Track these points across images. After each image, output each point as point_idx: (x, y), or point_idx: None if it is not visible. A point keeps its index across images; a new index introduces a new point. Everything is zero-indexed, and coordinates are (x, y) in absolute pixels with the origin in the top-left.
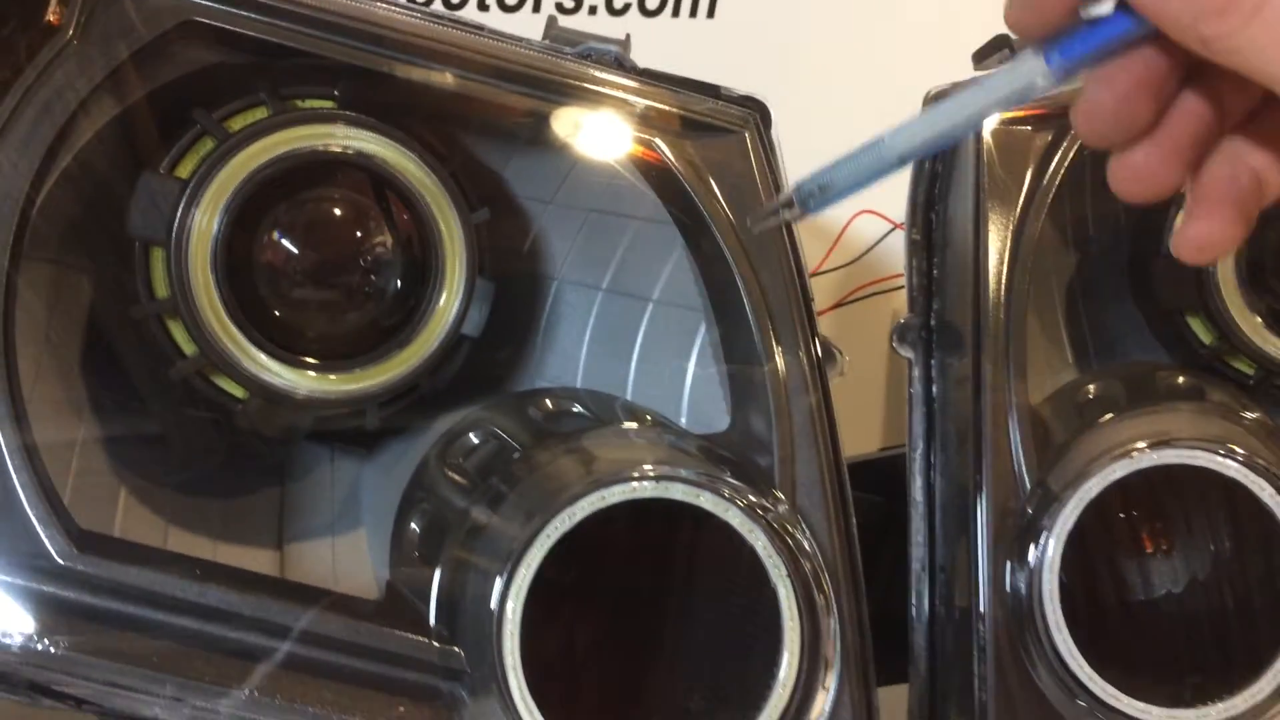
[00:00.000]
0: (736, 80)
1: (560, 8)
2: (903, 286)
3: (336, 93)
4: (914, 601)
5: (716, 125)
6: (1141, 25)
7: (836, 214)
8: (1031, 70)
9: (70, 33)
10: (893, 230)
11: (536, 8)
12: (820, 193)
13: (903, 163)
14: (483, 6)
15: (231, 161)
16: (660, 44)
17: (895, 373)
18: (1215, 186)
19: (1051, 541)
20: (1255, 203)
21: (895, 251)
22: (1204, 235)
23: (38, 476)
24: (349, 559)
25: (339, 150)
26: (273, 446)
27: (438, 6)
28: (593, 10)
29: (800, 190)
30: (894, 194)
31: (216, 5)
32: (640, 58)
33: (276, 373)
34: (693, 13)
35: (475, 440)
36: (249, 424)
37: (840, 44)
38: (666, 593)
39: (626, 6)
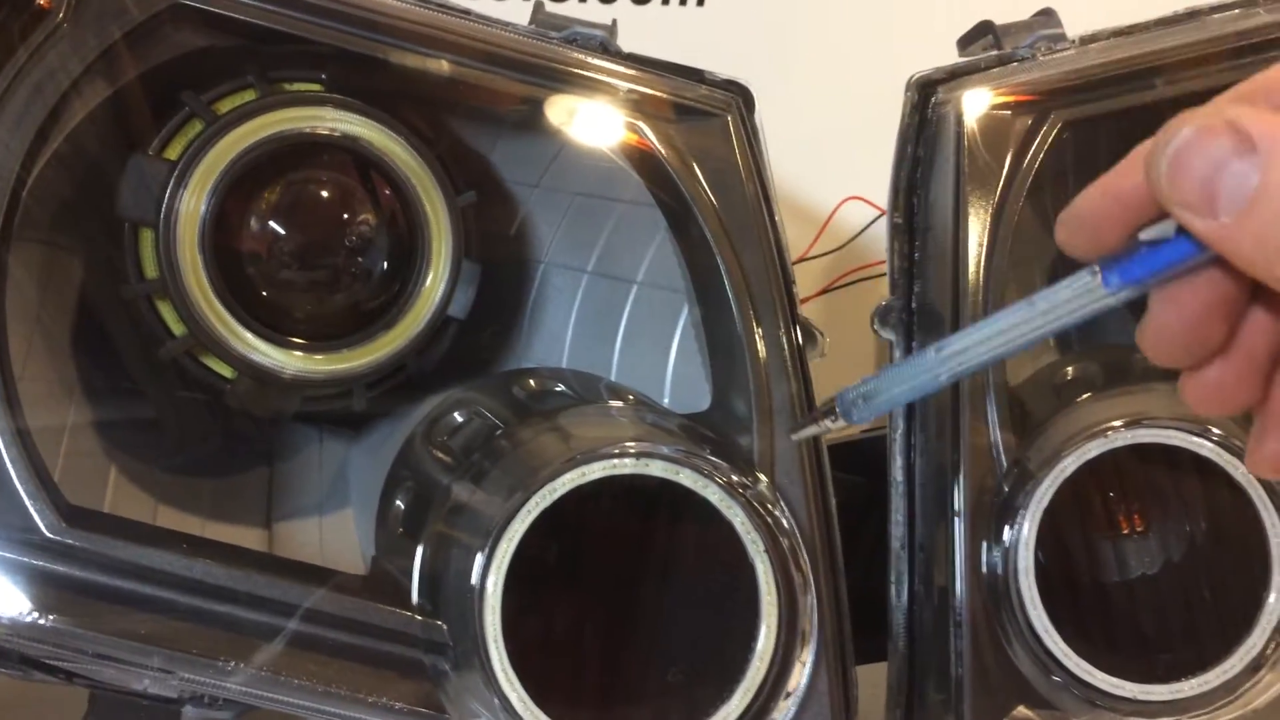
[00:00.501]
0: (725, 67)
1: None
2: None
3: (324, 76)
4: (893, 580)
5: (700, 109)
6: (1206, 251)
7: (823, 199)
8: (1089, 292)
9: (61, 15)
10: (880, 217)
11: None
12: (864, 402)
13: (952, 378)
14: None
15: (219, 143)
16: (650, 31)
17: (881, 358)
18: None
19: (1027, 520)
20: None
21: (882, 238)
22: None
23: (27, 453)
24: (336, 537)
25: (326, 133)
26: (261, 427)
27: None
28: None
29: (843, 399)
30: (882, 180)
31: None
32: (630, 44)
33: (264, 352)
34: (682, 0)
35: (459, 419)
36: (238, 404)
37: (828, 31)
38: (647, 568)
39: None
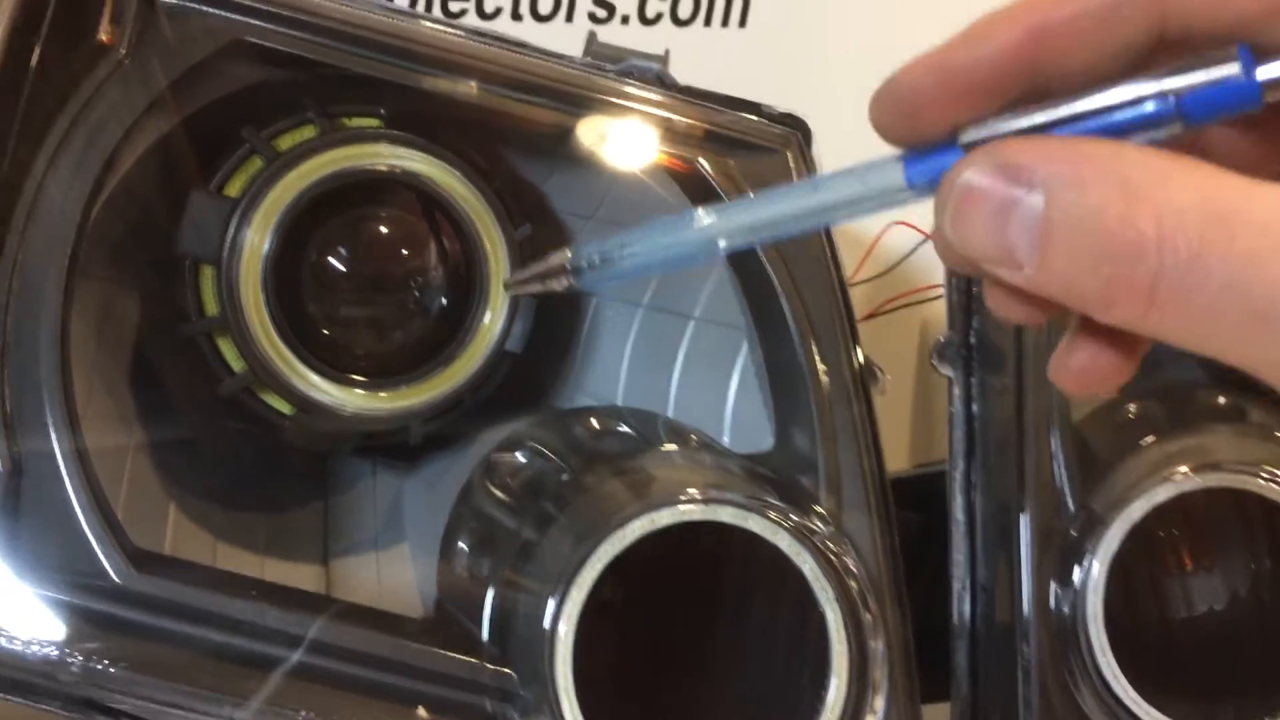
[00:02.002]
0: (768, 89)
1: (593, 17)
2: (932, 299)
3: (383, 111)
4: (955, 621)
5: (758, 144)
6: None
7: (870, 224)
8: (887, 179)
9: (122, 52)
10: (924, 241)
11: (570, 18)
12: (601, 264)
13: (711, 253)
14: (516, 16)
15: (282, 180)
16: (693, 53)
17: (922, 387)
18: None
19: (1096, 564)
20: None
21: (925, 263)
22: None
23: (95, 498)
24: (394, 573)
25: (386, 169)
26: (315, 461)
27: (472, 19)
28: (625, 20)
29: (577, 258)
30: (927, 205)
31: (266, 25)
32: (673, 67)
33: (325, 390)
34: (724, 22)
35: (522, 459)
36: (295, 440)
37: (872, 52)
38: (714, 614)
39: (659, 16)
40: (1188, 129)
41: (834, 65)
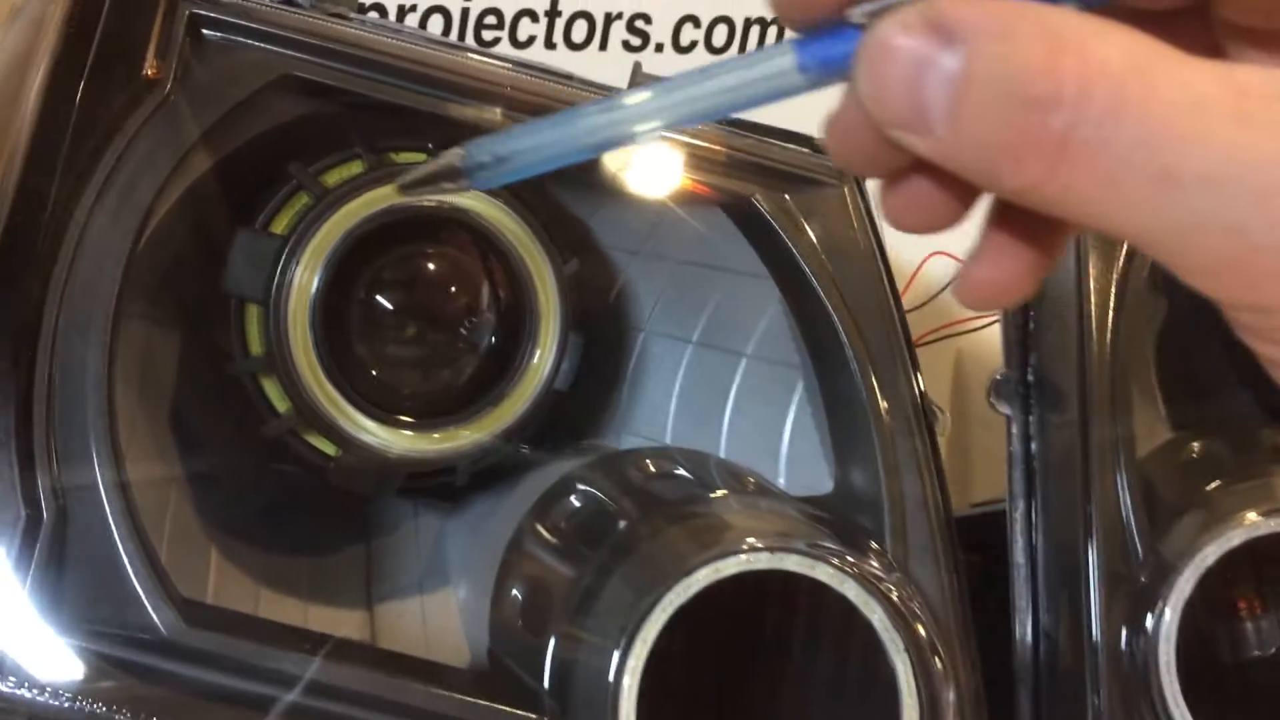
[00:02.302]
0: (804, 115)
1: (627, 45)
2: (970, 331)
3: (430, 145)
4: (1018, 666)
5: (814, 179)
6: None
7: (910, 255)
8: (782, 72)
9: (169, 87)
10: None
11: (604, 46)
12: (496, 164)
13: (604, 147)
14: (550, 45)
15: (331, 218)
16: None
17: (959, 420)
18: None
19: (1168, 610)
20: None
21: None
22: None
23: (143, 546)
24: (439, 618)
25: (435, 205)
26: (357, 503)
27: (505, 47)
28: (659, 48)
29: (470, 158)
30: (966, 235)
31: (315, 60)
32: None
33: (372, 432)
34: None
35: (575, 503)
36: (339, 482)
37: None
38: (781, 664)
39: (693, 44)
40: (1083, 5)
41: None
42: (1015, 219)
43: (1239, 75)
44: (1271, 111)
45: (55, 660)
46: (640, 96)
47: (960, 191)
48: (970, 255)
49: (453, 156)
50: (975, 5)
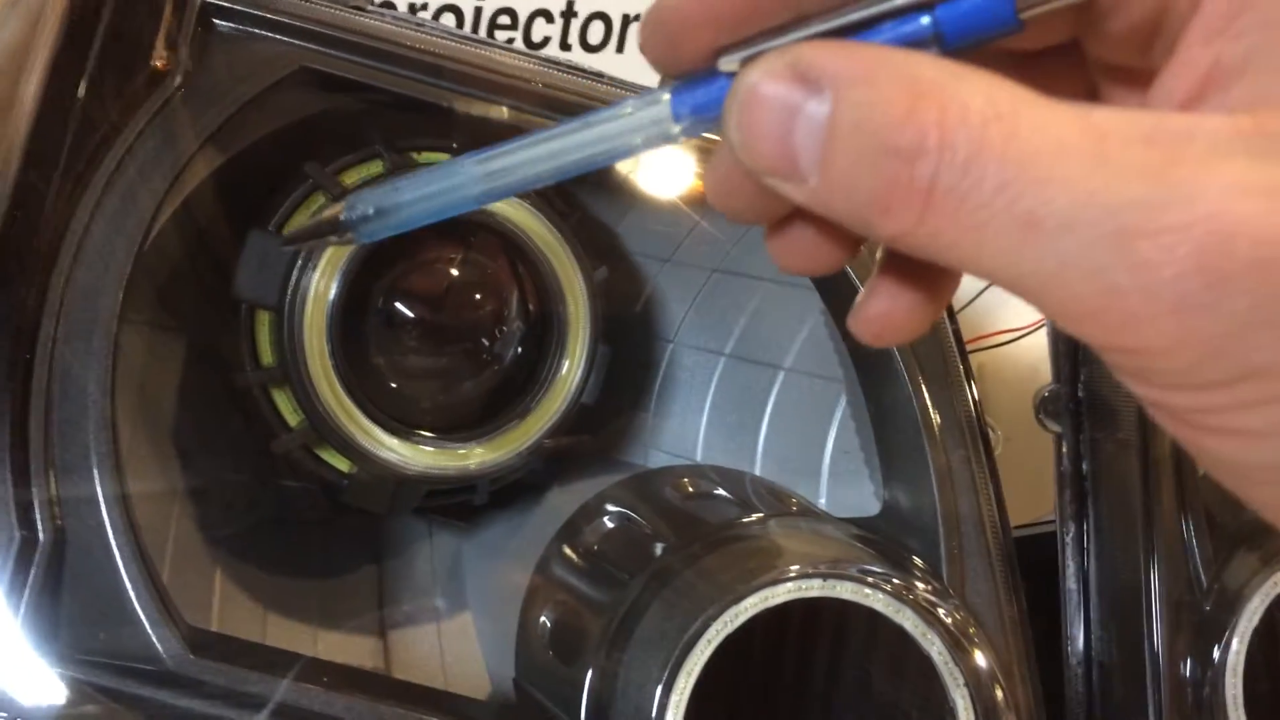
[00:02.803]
0: None
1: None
2: (999, 345)
3: (455, 145)
4: (1069, 695)
5: None
6: None
7: None
8: (656, 121)
9: (178, 80)
10: (988, 287)
11: (620, 48)
12: (378, 217)
13: (488, 198)
14: (565, 45)
15: None
16: None
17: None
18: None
19: (1235, 641)
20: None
21: (992, 307)
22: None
23: (148, 572)
24: (457, 646)
25: None
26: (369, 522)
27: (519, 48)
28: None
29: (351, 211)
30: None
31: (332, 52)
32: None
33: (390, 447)
34: None
35: (608, 525)
36: (354, 500)
37: None
38: (831, 696)
39: None
40: (946, 51)
41: None
42: (902, 260)
43: (1098, 118)
44: (1130, 154)
45: (51, 693)
46: (513, 150)
47: (843, 236)
48: (864, 291)
49: (335, 210)
50: (839, 52)
